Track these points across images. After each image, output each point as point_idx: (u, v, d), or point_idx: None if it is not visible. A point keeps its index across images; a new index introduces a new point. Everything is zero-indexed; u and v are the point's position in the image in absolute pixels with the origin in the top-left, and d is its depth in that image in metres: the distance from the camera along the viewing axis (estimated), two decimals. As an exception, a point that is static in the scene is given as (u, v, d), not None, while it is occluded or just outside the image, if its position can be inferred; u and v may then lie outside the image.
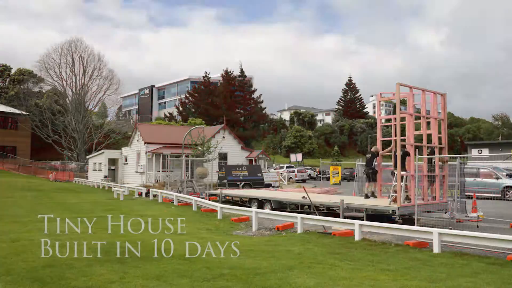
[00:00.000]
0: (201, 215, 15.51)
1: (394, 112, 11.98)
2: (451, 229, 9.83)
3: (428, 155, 12.89)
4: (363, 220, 11.37)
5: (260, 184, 25.19)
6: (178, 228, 12.34)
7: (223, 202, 17.50)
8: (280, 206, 15.65)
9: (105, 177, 34.62)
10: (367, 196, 13.65)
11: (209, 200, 18.62)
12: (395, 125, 11.77)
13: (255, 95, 74.43)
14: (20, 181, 34.06)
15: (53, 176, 38.06)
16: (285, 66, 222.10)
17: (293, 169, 43.18)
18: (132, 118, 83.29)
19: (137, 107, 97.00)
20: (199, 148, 28.90)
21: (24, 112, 50.67)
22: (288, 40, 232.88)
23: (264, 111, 75.67)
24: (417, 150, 12.41)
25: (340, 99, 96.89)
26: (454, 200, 13.10)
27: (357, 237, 10.07)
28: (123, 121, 65.68)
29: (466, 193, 13.79)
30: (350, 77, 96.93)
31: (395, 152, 12.56)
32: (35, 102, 51.61)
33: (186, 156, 25.46)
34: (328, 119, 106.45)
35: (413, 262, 7.70)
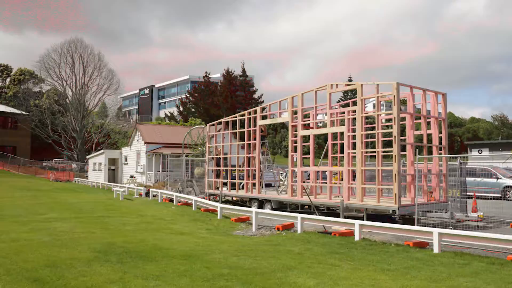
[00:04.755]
0: (201, 215, 15.51)
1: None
2: (451, 229, 9.83)
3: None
4: (363, 220, 11.38)
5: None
6: (178, 228, 12.35)
7: (223, 202, 17.51)
8: (280, 206, 15.65)
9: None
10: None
11: (209, 200, 18.63)
12: (395, 125, 11.78)
13: (256, 95, 74.43)
14: (20, 181, 34.07)
15: (53, 176, 38.08)
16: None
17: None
18: (132, 118, 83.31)
19: (137, 107, 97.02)
20: (199, 148, 28.91)
21: (24, 112, 50.68)
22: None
23: (264, 111, 75.71)
24: (417, 150, 12.41)
25: (340, 99, 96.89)
26: (454, 200, 13.10)
27: (357, 237, 10.07)
28: (123, 121, 65.67)
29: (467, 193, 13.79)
30: (350, 77, 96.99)
31: None
32: (35, 102, 51.64)
33: (186, 156, 25.46)
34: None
35: (413, 262, 7.70)
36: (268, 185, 25.54)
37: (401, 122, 12.32)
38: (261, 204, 16.20)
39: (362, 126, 12.87)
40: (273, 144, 73.26)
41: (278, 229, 11.91)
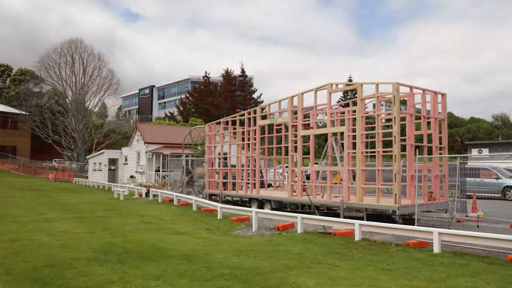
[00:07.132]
0: (201, 215, 15.52)
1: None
2: (451, 229, 9.83)
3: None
4: (363, 220, 11.38)
5: (260, 183, 25.15)
6: (178, 228, 12.35)
7: (223, 202, 17.51)
8: (280, 206, 15.65)
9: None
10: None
11: (209, 200, 18.64)
12: (395, 125, 11.78)
13: (255, 95, 74.44)
14: (20, 181, 34.08)
15: (53, 176, 38.07)
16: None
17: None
18: (132, 118, 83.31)
19: (137, 107, 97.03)
20: (199, 148, 28.91)
21: (24, 112, 50.66)
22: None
23: (264, 111, 75.69)
24: (417, 150, 12.41)
25: (340, 98, 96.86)
26: (454, 200, 13.10)
27: (357, 237, 10.07)
28: (123, 121, 65.65)
29: (466, 193, 13.80)
30: (350, 77, 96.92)
31: None
32: (35, 102, 51.63)
33: (186, 156, 25.47)
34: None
35: (413, 262, 7.70)
36: (268, 185, 25.50)
37: (401, 122, 12.32)
38: (261, 204, 16.20)
39: (362, 126, 12.87)
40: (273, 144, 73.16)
41: (278, 229, 11.91)
